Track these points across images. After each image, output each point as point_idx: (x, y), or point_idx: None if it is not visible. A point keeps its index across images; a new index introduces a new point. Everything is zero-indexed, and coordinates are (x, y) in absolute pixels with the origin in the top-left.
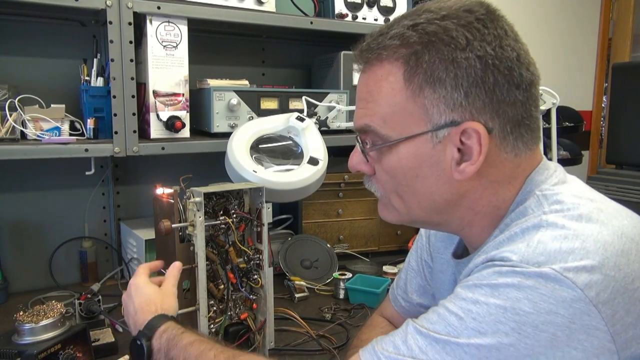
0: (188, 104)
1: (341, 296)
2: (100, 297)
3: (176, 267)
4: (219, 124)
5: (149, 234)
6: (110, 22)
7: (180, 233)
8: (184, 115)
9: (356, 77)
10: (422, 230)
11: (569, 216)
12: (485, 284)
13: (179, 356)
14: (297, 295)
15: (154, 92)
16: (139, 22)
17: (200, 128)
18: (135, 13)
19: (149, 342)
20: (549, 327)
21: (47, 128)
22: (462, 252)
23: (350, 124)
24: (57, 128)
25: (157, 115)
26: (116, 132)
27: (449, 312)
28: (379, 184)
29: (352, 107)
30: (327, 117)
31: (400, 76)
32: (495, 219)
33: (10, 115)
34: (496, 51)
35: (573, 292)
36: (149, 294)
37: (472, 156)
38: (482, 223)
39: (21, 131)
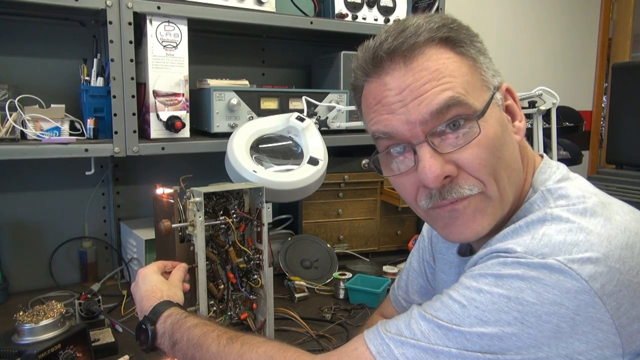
0: (188, 104)
1: (341, 296)
2: (100, 297)
3: (183, 266)
4: (219, 124)
5: (149, 234)
6: (110, 22)
7: (180, 233)
8: (184, 115)
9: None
10: (424, 231)
11: (573, 210)
12: (489, 274)
13: (183, 338)
14: (297, 295)
15: (154, 92)
16: (139, 22)
17: (200, 128)
18: (135, 13)
19: (154, 326)
20: (552, 318)
21: (47, 128)
22: (466, 250)
23: (350, 124)
24: (57, 128)
25: (157, 115)
26: (116, 132)
27: (452, 300)
28: (474, 174)
29: (352, 107)
30: (327, 117)
31: (452, 52)
32: (510, 211)
33: (10, 115)
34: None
35: (577, 284)
36: (155, 282)
37: (516, 114)
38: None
39: (21, 131)
